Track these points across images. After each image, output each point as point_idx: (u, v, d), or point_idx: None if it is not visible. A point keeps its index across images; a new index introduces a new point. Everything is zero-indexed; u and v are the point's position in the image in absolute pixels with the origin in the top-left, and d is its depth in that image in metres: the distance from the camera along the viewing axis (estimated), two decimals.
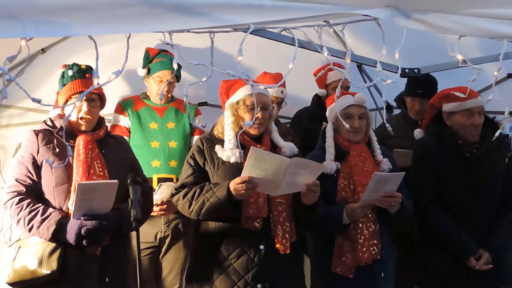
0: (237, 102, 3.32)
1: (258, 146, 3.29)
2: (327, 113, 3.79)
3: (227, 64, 2.64)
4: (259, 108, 3.24)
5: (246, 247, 3.17)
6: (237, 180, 3.05)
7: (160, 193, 3.94)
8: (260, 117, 3.26)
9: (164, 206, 3.99)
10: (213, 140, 3.37)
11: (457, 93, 3.71)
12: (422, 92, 4.62)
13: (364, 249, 3.39)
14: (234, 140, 3.27)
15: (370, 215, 3.46)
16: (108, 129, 3.52)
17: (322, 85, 4.82)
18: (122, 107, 4.24)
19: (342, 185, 3.51)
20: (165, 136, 4.15)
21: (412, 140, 4.26)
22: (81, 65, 3.28)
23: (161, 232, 4.10)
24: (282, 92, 4.56)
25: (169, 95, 4.30)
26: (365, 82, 4.80)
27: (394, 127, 3.66)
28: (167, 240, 4.13)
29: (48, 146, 3.16)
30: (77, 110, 3.22)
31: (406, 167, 3.90)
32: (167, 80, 4.18)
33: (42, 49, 4.18)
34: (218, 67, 2.53)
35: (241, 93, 3.33)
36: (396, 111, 5.31)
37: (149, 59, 4.30)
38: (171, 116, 4.24)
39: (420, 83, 4.58)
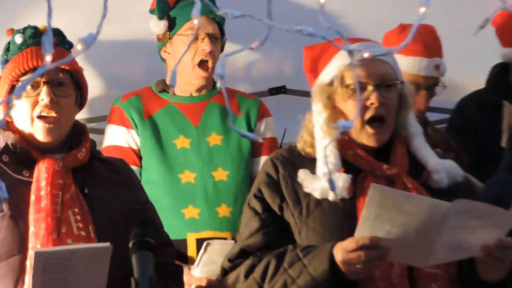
0: (330, 83, 2.41)
1: (385, 167, 2.38)
2: None
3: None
4: (370, 88, 2.31)
5: None
6: (349, 244, 2.25)
7: (206, 264, 2.69)
8: (373, 105, 2.29)
9: None
10: (296, 161, 2.48)
11: None
12: None
13: None
14: (333, 156, 2.36)
15: None
16: (96, 148, 2.56)
17: (508, 40, 3.40)
18: (122, 111, 2.95)
19: None
20: (205, 162, 2.94)
21: None
22: (39, 27, 2.43)
23: None
24: (437, 67, 3.12)
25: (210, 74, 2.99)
26: None
27: None
28: None
29: None
30: (30, 104, 2.30)
31: None
32: (207, 34, 2.88)
33: None
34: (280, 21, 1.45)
35: (334, 66, 2.43)
36: None
37: (167, 5, 3.05)
38: (215, 122, 2.98)
39: None
